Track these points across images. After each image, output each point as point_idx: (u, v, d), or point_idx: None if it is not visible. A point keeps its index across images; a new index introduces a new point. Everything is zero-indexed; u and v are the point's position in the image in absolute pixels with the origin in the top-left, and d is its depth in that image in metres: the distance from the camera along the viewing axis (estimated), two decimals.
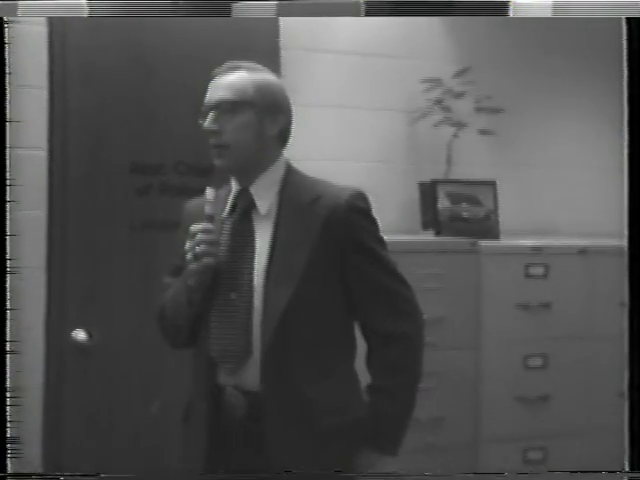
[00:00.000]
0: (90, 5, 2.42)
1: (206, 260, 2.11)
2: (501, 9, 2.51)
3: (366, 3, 2.48)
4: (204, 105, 2.19)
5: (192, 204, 2.32)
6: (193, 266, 2.11)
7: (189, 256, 2.11)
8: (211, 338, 2.15)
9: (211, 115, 2.16)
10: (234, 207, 2.22)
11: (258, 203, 2.19)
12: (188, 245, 2.11)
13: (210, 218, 2.14)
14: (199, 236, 2.10)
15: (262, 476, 2.13)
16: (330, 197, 2.16)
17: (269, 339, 2.09)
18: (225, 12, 2.47)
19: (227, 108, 2.16)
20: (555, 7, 2.48)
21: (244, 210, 2.19)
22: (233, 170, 2.22)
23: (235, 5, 2.46)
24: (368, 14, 2.47)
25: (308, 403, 2.11)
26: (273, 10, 2.50)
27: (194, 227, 2.12)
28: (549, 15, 2.49)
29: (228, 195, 2.26)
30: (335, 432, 2.14)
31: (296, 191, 2.19)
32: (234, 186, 2.25)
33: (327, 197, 2.16)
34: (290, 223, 2.15)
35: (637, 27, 2.36)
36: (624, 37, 2.35)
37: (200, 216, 2.18)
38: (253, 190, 2.20)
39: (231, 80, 2.18)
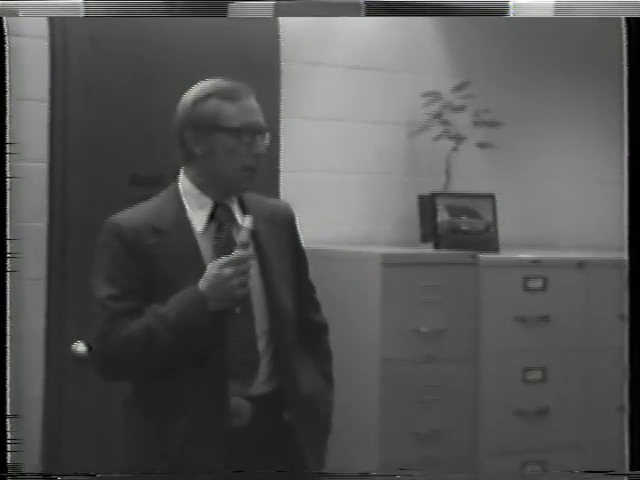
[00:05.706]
0: (86, 5, 2.43)
1: (247, 287, 2.11)
2: (501, 10, 2.52)
3: (366, 3, 2.49)
4: (248, 128, 2.18)
5: (133, 218, 2.25)
6: (238, 293, 2.09)
7: (233, 284, 2.07)
8: (225, 354, 2.14)
9: (262, 139, 2.20)
10: (209, 222, 2.22)
11: (238, 217, 2.23)
12: (230, 272, 2.07)
13: (246, 246, 2.11)
14: (244, 265, 2.09)
15: (262, 476, 2.15)
16: (282, 211, 2.36)
17: (280, 343, 2.21)
18: (221, 12, 2.48)
19: (262, 132, 2.22)
20: (556, 7, 2.49)
21: (225, 224, 2.21)
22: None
23: (231, 5, 2.47)
24: (368, 14, 2.48)
25: (310, 400, 2.25)
26: (269, 10, 2.50)
27: (238, 255, 2.09)
28: (549, 15, 2.50)
29: (180, 209, 2.25)
30: (330, 424, 2.33)
31: (253, 206, 2.28)
32: (202, 200, 2.24)
33: (280, 211, 2.35)
34: (264, 235, 2.24)
35: (637, 27, 2.35)
36: (624, 37, 2.34)
37: (148, 231, 2.18)
38: (233, 205, 2.26)
39: (256, 105, 2.23)
